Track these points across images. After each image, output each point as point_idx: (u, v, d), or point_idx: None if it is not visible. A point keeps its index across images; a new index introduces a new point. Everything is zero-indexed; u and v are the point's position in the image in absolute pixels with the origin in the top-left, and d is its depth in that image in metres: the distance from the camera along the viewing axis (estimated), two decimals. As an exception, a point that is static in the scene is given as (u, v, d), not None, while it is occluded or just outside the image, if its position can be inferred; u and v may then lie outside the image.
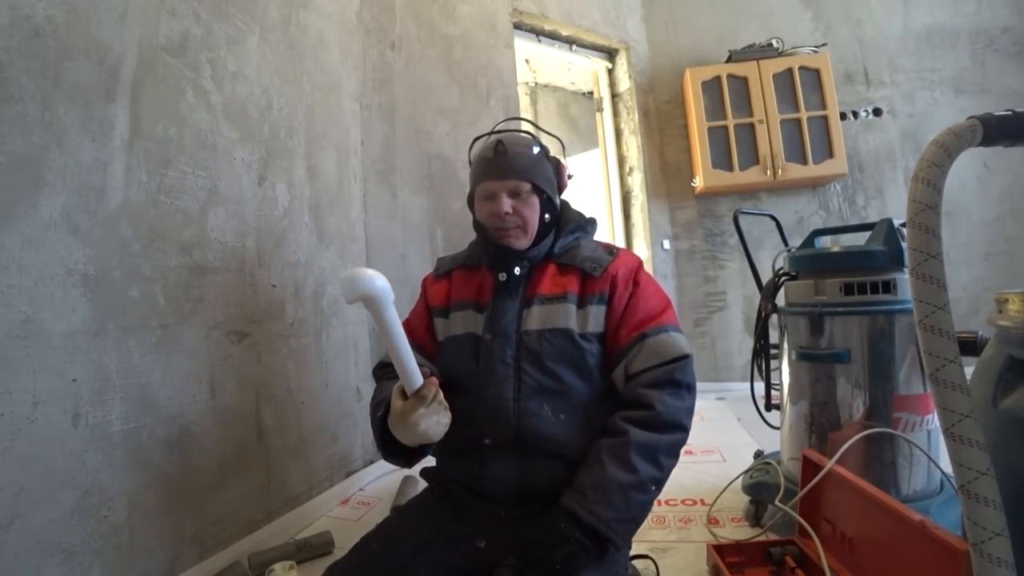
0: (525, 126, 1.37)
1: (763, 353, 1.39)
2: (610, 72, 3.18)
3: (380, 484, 1.76)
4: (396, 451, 0.90)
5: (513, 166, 0.96)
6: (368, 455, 1.83)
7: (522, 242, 0.98)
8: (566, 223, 1.04)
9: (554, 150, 1.10)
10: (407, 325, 0.97)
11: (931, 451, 1.11)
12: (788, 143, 2.80)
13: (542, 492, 0.87)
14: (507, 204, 0.95)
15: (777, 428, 1.37)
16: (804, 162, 2.79)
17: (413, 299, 1.14)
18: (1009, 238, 2.89)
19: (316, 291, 1.61)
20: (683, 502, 1.46)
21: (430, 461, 1.02)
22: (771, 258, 1.44)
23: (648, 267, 2.84)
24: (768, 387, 1.40)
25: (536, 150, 1.00)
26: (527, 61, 3.97)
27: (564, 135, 1.18)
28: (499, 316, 0.96)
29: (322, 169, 1.69)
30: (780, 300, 1.35)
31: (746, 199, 3.05)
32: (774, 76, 2.82)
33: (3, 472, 0.81)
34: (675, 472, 0.88)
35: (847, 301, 1.16)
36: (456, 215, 2.19)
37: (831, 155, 2.78)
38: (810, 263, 1.26)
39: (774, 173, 2.79)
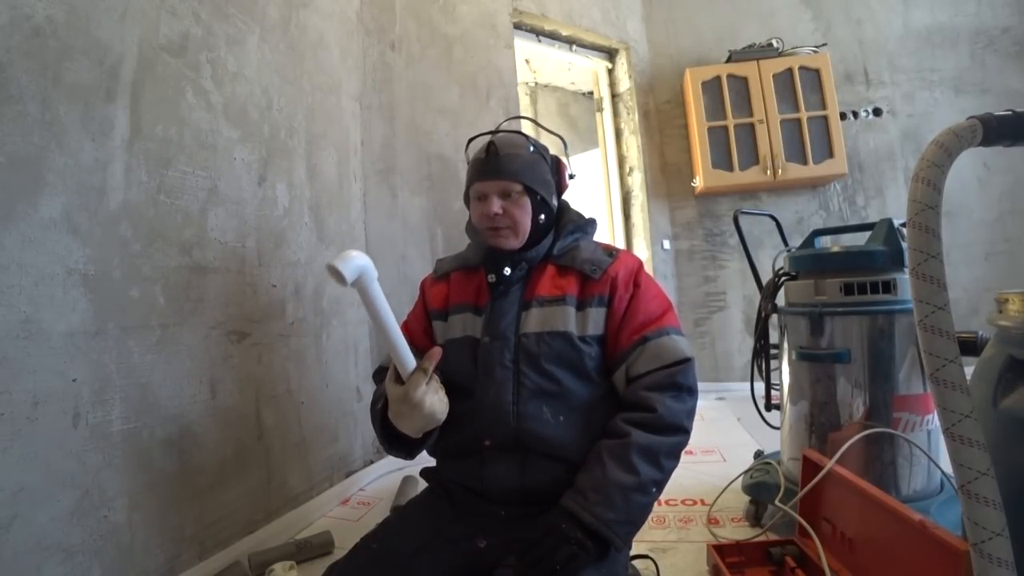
0: (527, 125, 1.37)
1: (763, 353, 1.39)
2: (610, 72, 3.18)
3: (380, 484, 1.76)
4: (398, 442, 0.92)
5: (503, 167, 0.96)
6: (368, 455, 1.83)
7: (512, 243, 0.97)
8: (565, 224, 1.03)
9: (556, 149, 1.10)
10: (405, 328, 0.97)
11: (931, 451, 1.11)
12: (788, 143, 2.80)
13: (542, 493, 0.87)
14: (496, 205, 0.95)
15: (777, 428, 1.37)
16: (804, 162, 2.79)
17: (413, 299, 1.13)
18: (1009, 238, 2.89)
19: (316, 291, 1.61)
20: (683, 502, 1.46)
21: (430, 461, 1.02)
22: (771, 258, 1.44)
23: (648, 267, 2.84)
24: (768, 387, 1.40)
25: (530, 150, 0.99)
26: (527, 61, 3.97)
27: (564, 135, 1.18)
28: (497, 319, 0.95)
29: (322, 169, 1.69)
30: (780, 300, 1.35)
31: (746, 199, 3.05)
32: (774, 76, 2.82)
33: (3, 472, 0.81)
34: (675, 472, 0.88)
35: (847, 301, 1.16)
36: (456, 215, 2.19)
37: (831, 155, 2.78)
38: (810, 263, 1.26)
39: (774, 173, 2.79)
